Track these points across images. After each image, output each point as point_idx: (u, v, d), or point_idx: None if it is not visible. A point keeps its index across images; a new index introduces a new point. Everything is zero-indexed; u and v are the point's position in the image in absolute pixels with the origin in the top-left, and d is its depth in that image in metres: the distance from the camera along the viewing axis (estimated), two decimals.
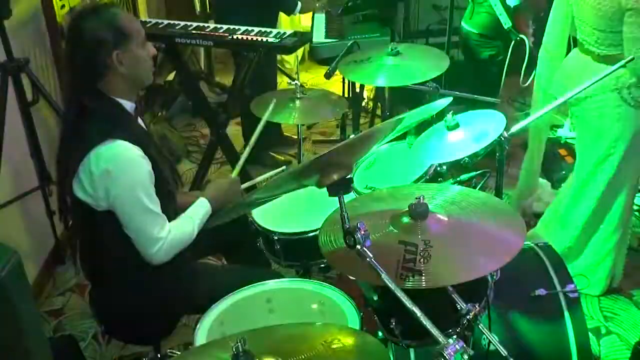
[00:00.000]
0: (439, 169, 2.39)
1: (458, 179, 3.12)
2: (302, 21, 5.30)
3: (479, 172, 3.39)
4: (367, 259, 1.34)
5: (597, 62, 2.46)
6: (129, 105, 1.91)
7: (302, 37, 3.22)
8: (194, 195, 2.18)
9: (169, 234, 1.89)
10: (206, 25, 3.36)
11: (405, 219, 1.49)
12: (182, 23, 3.34)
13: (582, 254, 2.77)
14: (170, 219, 1.95)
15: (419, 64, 2.44)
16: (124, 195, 1.82)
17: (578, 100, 2.53)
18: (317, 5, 4.09)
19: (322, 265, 2.34)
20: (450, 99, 1.88)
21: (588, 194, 2.66)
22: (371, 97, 4.44)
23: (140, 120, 2.00)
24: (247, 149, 2.30)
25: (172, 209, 2.00)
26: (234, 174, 2.26)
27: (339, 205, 1.40)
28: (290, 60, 5.38)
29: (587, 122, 2.57)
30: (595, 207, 2.65)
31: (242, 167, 2.29)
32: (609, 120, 2.48)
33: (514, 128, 2.09)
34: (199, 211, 2.04)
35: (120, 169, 1.80)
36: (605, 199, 2.63)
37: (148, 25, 3.34)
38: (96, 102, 1.85)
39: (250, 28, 3.21)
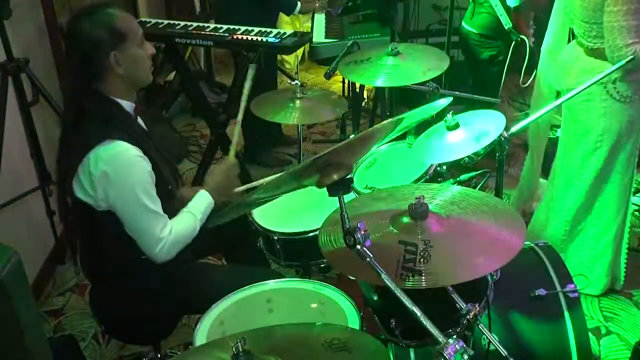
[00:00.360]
0: (439, 169, 2.39)
1: (458, 179, 3.12)
2: (302, 22, 5.30)
3: (479, 172, 3.39)
4: (367, 259, 1.34)
5: (587, 56, 2.49)
6: (128, 105, 1.91)
7: (302, 37, 3.22)
8: (197, 190, 2.20)
9: (170, 232, 1.89)
10: (206, 25, 3.36)
11: (405, 219, 1.49)
12: (182, 23, 3.34)
13: (576, 249, 2.77)
14: (171, 218, 1.95)
15: (419, 64, 2.44)
16: (124, 196, 1.82)
17: (568, 91, 2.55)
18: (317, 5, 4.09)
19: (322, 265, 2.34)
20: (450, 99, 1.88)
21: (576, 187, 2.67)
22: (371, 97, 4.44)
23: (140, 120, 2.00)
24: (237, 127, 2.28)
25: (173, 208, 2.00)
26: (230, 156, 2.25)
27: (339, 205, 1.40)
28: (290, 60, 5.38)
29: (575, 115, 2.59)
30: (583, 201, 2.67)
31: (240, 160, 2.29)
32: (595, 114, 2.51)
33: (514, 128, 2.09)
34: (200, 205, 2.03)
35: (119, 169, 1.79)
36: (593, 193, 2.65)
37: (148, 25, 3.34)
38: (95, 102, 1.85)
39: (250, 28, 3.21)
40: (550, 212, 2.84)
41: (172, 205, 2.00)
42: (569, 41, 2.75)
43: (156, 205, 1.87)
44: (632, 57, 2.25)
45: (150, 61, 1.93)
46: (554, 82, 2.71)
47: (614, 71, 2.29)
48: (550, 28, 2.84)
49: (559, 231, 2.78)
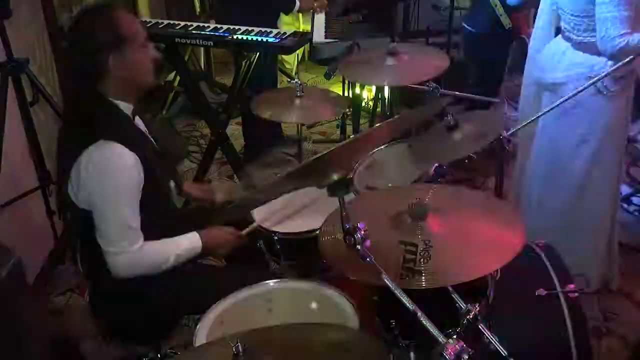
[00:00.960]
0: (439, 169, 2.39)
1: (457, 179, 3.13)
2: (302, 22, 5.30)
3: (478, 172, 3.39)
4: (367, 259, 1.34)
5: (575, 50, 2.49)
6: (126, 107, 1.90)
7: (302, 37, 3.22)
8: (205, 188, 2.18)
9: (137, 250, 1.84)
10: (206, 25, 3.36)
11: (405, 219, 1.49)
12: (182, 23, 3.34)
13: (571, 248, 2.76)
14: (162, 225, 1.93)
15: (419, 64, 2.44)
16: (103, 195, 1.79)
17: (554, 85, 2.57)
18: (317, 4, 4.09)
19: (322, 265, 2.34)
20: (450, 99, 1.88)
21: (564, 181, 2.67)
22: (371, 97, 4.44)
23: (140, 121, 1.99)
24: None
25: (167, 212, 1.99)
26: (243, 233, 2.18)
27: (339, 205, 1.40)
28: (290, 60, 5.38)
29: (562, 110, 2.58)
30: (572, 195, 2.66)
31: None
32: (583, 109, 2.51)
33: (514, 128, 2.09)
34: (184, 244, 1.96)
35: (105, 170, 1.78)
36: (581, 188, 2.64)
37: (148, 25, 3.33)
38: (92, 103, 1.84)
39: (250, 28, 3.21)
40: (542, 206, 2.84)
41: (166, 208, 1.98)
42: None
43: (132, 217, 1.82)
44: (632, 56, 2.25)
45: (151, 65, 1.90)
46: (542, 79, 2.70)
47: (614, 70, 2.28)
48: (536, 26, 2.85)
49: (554, 225, 2.77)
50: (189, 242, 1.98)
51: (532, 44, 2.89)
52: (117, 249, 1.83)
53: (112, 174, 1.79)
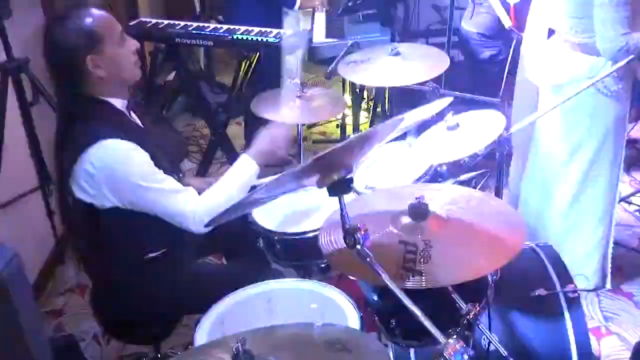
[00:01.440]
0: (439, 169, 2.39)
1: (458, 179, 3.12)
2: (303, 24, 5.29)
3: (479, 172, 3.39)
4: (367, 259, 1.34)
5: (574, 51, 2.48)
6: (119, 102, 1.88)
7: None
8: (209, 181, 2.19)
9: (199, 207, 1.85)
10: (206, 25, 3.36)
11: (405, 219, 1.49)
12: (182, 23, 3.34)
13: (570, 247, 2.76)
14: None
15: (419, 64, 2.44)
16: (134, 190, 1.80)
17: (554, 86, 2.57)
18: (317, 2, 4.09)
19: (322, 265, 2.34)
20: (450, 99, 1.88)
21: (563, 183, 2.67)
22: (371, 97, 4.44)
23: (135, 116, 1.98)
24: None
25: None
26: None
27: (339, 205, 1.40)
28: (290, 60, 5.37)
29: (562, 110, 2.58)
30: (571, 197, 2.66)
31: None
32: (583, 108, 2.51)
33: (514, 128, 2.09)
34: (239, 176, 1.98)
35: (118, 167, 1.78)
36: (581, 189, 2.64)
37: (148, 25, 3.34)
38: (83, 105, 1.83)
39: (250, 28, 3.21)
40: (541, 206, 2.84)
41: None
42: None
43: (167, 183, 1.83)
44: (632, 55, 2.25)
45: (134, 56, 1.88)
46: (539, 80, 2.69)
47: (614, 70, 2.29)
48: (528, 27, 2.84)
49: (553, 225, 2.77)
50: (242, 173, 1.99)
51: (525, 45, 2.88)
52: (183, 219, 1.84)
53: (124, 164, 1.78)
